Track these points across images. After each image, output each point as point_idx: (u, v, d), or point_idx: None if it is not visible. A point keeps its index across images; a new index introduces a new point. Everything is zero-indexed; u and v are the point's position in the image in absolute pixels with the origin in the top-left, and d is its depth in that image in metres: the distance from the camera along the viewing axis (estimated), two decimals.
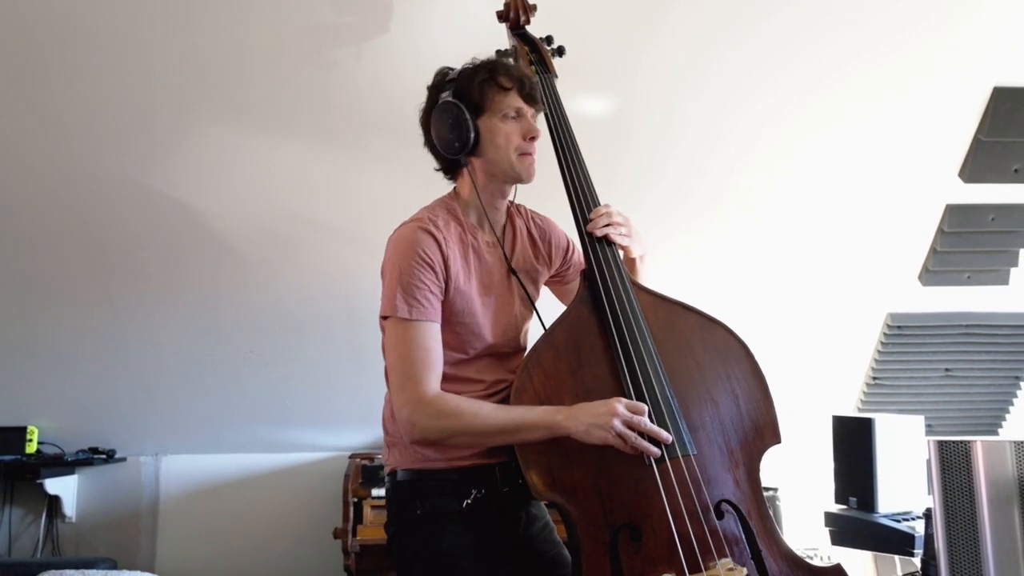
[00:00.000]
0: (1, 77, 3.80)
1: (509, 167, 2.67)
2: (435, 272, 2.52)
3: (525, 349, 2.80)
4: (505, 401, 2.54)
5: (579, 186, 2.79)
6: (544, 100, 2.91)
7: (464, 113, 2.59)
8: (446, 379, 2.54)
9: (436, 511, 2.54)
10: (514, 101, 2.63)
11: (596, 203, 2.78)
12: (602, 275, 2.62)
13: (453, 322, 2.58)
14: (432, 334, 2.50)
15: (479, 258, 2.70)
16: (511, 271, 2.77)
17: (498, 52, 3.16)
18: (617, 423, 2.32)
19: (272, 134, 4.12)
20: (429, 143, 2.74)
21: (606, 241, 2.69)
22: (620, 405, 2.36)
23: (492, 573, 2.55)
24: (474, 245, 2.69)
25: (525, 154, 2.66)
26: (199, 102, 3.97)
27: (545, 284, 3.00)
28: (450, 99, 2.61)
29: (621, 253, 2.73)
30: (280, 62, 3.88)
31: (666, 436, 2.37)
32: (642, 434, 2.34)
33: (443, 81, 2.68)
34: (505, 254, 2.78)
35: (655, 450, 2.34)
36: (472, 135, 2.60)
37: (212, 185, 4.23)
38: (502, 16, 3.24)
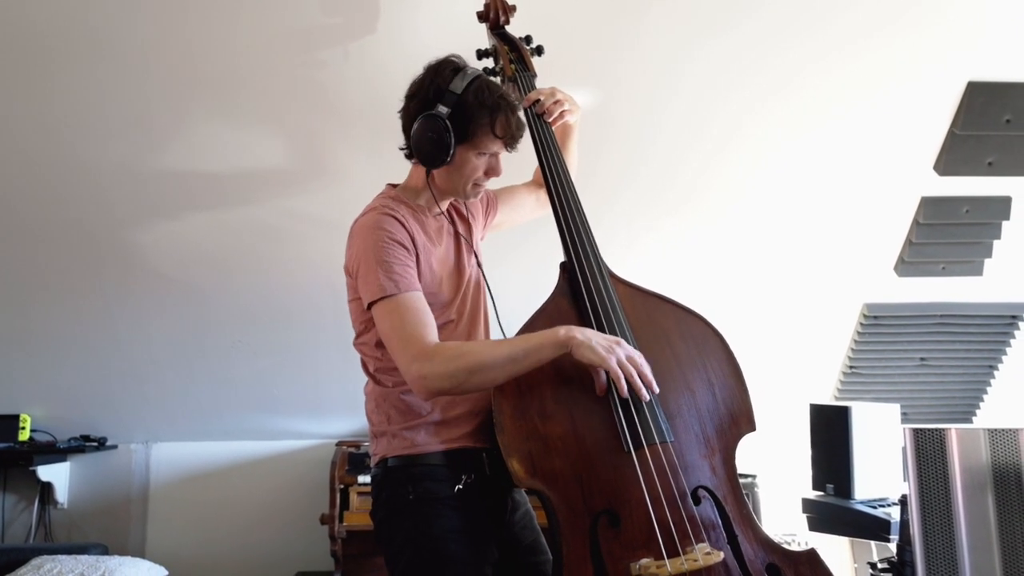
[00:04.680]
0: None
1: (460, 191, 2.75)
2: (406, 248, 2.58)
3: (487, 317, 2.90)
4: None
5: (559, 181, 2.86)
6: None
7: (450, 136, 2.59)
8: None
9: (428, 496, 2.57)
10: (496, 146, 2.67)
11: (575, 195, 2.85)
12: (580, 268, 2.68)
13: (427, 292, 2.62)
14: (419, 298, 2.55)
15: (436, 232, 2.78)
16: (459, 238, 2.87)
17: (479, 52, 3.23)
18: (620, 351, 2.39)
19: (261, 129, 4.15)
20: (406, 126, 2.73)
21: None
22: (625, 342, 2.45)
23: (480, 557, 2.60)
24: (426, 220, 2.76)
25: (478, 185, 2.75)
26: (191, 98, 4.00)
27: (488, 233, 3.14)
28: (443, 118, 2.59)
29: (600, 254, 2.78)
30: (270, 61, 3.90)
31: (654, 387, 2.45)
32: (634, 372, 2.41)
33: (445, 85, 2.63)
34: (456, 228, 2.88)
35: (645, 392, 2.43)
36: (448, 158, 2.63)
37: (202, 178, 4.26)
38: (482, 16, 3.29)
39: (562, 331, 2.41)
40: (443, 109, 2.60)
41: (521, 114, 2.72)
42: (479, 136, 2.62)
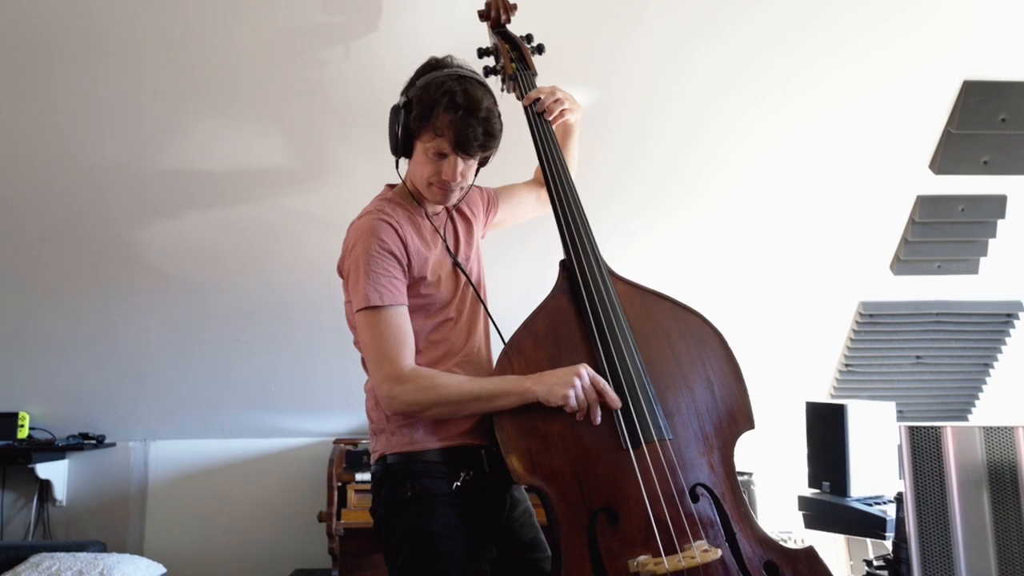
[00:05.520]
0: None
1: (422, 188, 2.73)
2: (396, 258, 2.60)
3: (488, 311, 2.91)
4: (482, 371, 2.71)
5: (559, 180, 2.85)
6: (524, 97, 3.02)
7: (399, 128, 2.67)
8: (427, 348, 2.66)
9: (426, 493, 2.59)
10: (441, 146, 2.62)
11: (575, 194, 2.84)
12: (580, 266, 2.68)
13: (423, 294, 2.67)
14: (402, 314, 2.58)
15: (432, 233, 2.79)
16: (457, 237, 2.88)
17: (480, 51, 3.24)
18: (579, 384, 2.41)
19: (260, 128, 4.16)
20: None
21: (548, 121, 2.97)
22: (584, 368, 2.45)
23: (478, 553, 2.61)
24: (422, 222, 2.77)
25: (435, 187, 2.69)
26: (190, 97, 4.01)
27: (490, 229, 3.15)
28: (399, 107, 2.68)
29: (595, 245, 2.77)
30: (270, 60, 3.92)
31: (615, 400, 2.45)
32: (594, 400, 2.43)
33: (414, 81, 2.70)
34: (456, 228, 2.90)
35: (597, 418, 2.43)
36: (403, 148, 2.70)
37: (201, 177, 4.27)
38: (483, 15, 3.30)
39: (528, 382, 2.46)
40: (402, 100, 2.67)
41: (484, 118, 2.63)
42: (424, 130, 2.63)
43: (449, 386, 2.52)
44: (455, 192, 2.73)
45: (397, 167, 2.79)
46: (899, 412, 5.03)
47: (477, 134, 2.61)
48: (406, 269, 2.63)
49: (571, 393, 2.40)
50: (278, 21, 3.79)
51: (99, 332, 4.91)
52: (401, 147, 2.70)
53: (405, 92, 2.70)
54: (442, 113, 2.58)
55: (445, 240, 2.84)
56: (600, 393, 2.43)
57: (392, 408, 2.54)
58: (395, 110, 2.70)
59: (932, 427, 3.30)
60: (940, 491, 3.24)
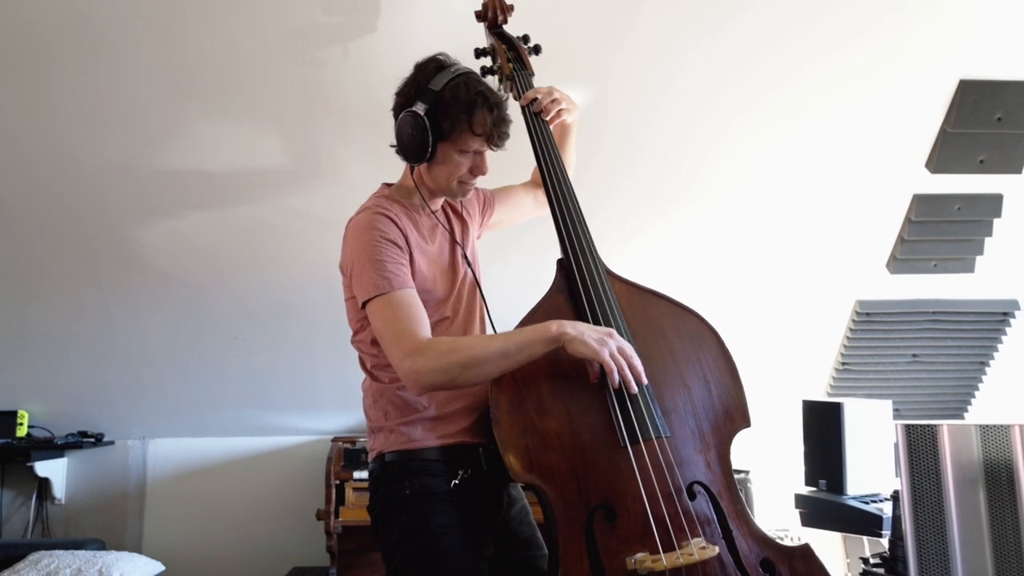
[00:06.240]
0: None
1: (446, 189, 2.76)
2: (398, 247, 2.60)
3: (483, 314, 2.91)
4: None
5: (556, 179, 2.86)
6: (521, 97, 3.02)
7: (428, 135, 2.61)
8: None
9: (424, 491, 2.59)
10: (477, 143, 2.67)
11: (572, 193, 2.85)
12: (577, 265, 2.69)
13: (419, 290, 2.64)
14: (412, 295, 2.57)
15: (430, 231, 2.80)
16: (454, 240, 2.88)
17: (477, 51, 3.24)
18: (611, 343, 2.40)
19: (259, 128, 4.17)
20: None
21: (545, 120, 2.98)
22: (616, 334, 2.45)
23: (475, 551, 2.61)
24: (419, 219, 2.78)
25: (464, 183, 2.75)
26: (190, 97, 4.02)
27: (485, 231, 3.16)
28: (421, 115, 2.61)
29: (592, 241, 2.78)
30: (269, 60, 3.93)
31: (643, 379, 2.45)
32: (630, 358, 2.43)
33: (425, 83, 2.66)
34: (452, 227, 2.90)
35: (634, 385, 2.43)
36: (428, 154, 2.65)
37: (200, 177, 4.28)
38: (480, 16, 3.31)
39: (554, 326, 2.43)
40: (421, 106, 2.62)
41: (508, 111, 2.71)
42: (457, 133, 2.63)
43: (472, 346, 2.50)
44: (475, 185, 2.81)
45: (413, 173, 2.78)
46: (895, 410, 5.04)
47: (508, 128, 2.70)
48: (408, 258, 2.63)
49: (604, 350, 2.39)
50: (277, 21, 3.80)
51: (99, 331, 4.92)
52: (429, 152, 2.66)
53: (419, 97, 2.65)
54: (485, 113, 2.63)
55: (452, 232, 2.88)
56: (628, 359, 2.43)
57: (420, 384, 2.47)
58: (414, 116, 2.63)
59: (928, 425, 3.31)
60: (936, 489, 3.25)
